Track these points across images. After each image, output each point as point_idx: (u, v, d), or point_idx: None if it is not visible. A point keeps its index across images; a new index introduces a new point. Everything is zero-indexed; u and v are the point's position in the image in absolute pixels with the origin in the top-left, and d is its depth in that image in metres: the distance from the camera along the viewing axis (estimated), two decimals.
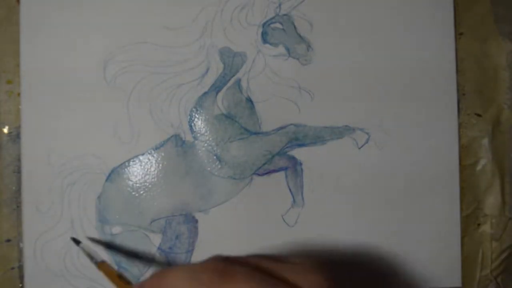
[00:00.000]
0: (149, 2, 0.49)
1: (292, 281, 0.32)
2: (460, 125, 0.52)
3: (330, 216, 0.51)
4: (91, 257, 0.43)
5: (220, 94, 0.49)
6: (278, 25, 0.50)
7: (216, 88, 0.49)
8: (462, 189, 0.52)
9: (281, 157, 0.50)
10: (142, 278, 0.48)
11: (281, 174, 0.50)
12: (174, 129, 0.49)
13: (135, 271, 0.48)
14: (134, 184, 0.49)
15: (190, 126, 0.49)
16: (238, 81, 0.49)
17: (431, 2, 0.52)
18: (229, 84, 0.49)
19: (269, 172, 0.50)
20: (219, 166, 0.49)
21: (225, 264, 0.32)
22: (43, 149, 0.48)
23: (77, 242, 0.46)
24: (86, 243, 0.47)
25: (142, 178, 0.49)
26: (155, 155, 0.49)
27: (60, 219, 0.48)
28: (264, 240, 0.50)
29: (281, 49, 0.50)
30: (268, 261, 0.33)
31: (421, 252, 0.51)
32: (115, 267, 0.48)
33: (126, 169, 0.49)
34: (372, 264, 0.51)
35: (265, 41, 0.50)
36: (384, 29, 0.51)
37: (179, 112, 0.49)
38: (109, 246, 0.48)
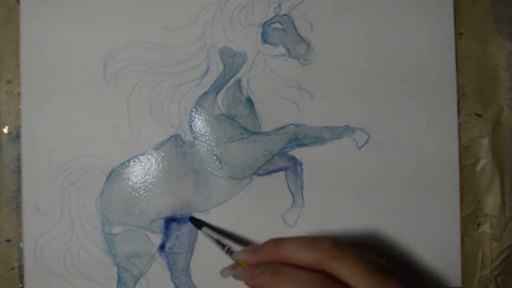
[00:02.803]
0: (149, 2, 0.49)
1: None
2: (460, 125, 0.52)
3: (330, 216, 0.51)
4: (219, 243, 0.45)
5: (220, 94, 0.49)
6: (278, 25, 0.50)
7: (216, 88, 0.49)
8: (462, 189, 0.52)
9: (281, 157, 0.50)
10: (142, 278, 0.48)
11: (281, 174, 0.50)
12: (174, 129, 0.49)
13: (135, 271, 0.48)
14: (134, 184, 0.49)
15: (190, 126, 0.49)
16: (238, 81, 0.49)
17: (431, 2, 0.52)
18: (229, 84, 0.49)
19: (269, 172, 0.50)
20: (219, 166, 0.49)
21: (337, 239, 0.38)
22: (43, 149, 0.48)
23: (198, 225, 0.48)
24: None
25: (142, 178, 0.49)
26: (155, 155, 0.49)
27: (60, 219, 0.48)
28: (264, 240, 0.50)
29: (281, 49, 0.50)
30: None
31: (421, 252, 0.51)
32: (115, 268, 0.48)
33: (126, 169, 0.48)
34: None
35: (265, 41, 0.50)
36: (384, 29, 0.51)
37: (179, 112, 0.49)
38: (109, 246, 0.48)
